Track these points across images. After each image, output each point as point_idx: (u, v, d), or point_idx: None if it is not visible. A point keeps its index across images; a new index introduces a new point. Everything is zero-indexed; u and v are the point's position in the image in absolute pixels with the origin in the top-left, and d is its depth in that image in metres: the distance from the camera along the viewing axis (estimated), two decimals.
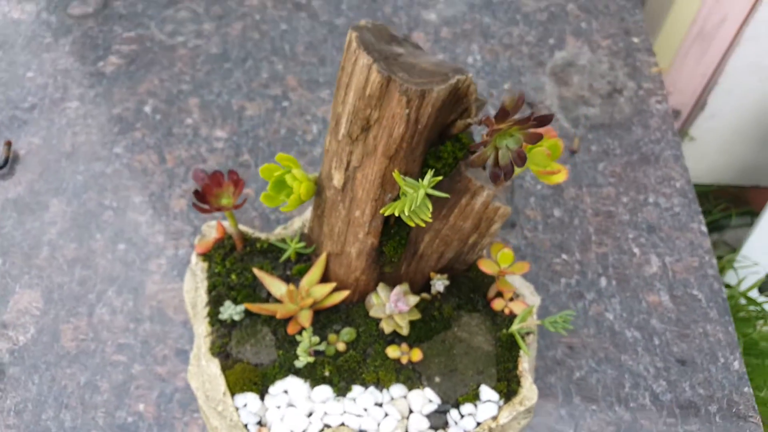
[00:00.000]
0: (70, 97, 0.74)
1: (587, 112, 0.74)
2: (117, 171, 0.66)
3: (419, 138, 0.39)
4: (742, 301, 1.12)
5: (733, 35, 1.00)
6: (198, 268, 0.52)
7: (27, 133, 0.70)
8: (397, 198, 0.42)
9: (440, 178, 0.37)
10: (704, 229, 0.65)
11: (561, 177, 0.43)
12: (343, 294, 0.49)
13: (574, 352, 0.55)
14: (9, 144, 0.67)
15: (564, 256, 0.61)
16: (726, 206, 1.29)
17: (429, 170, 0.37)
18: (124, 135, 0.70)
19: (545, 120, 0.37)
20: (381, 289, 0.48)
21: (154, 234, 0.61)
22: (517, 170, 0.44)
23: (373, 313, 0.48)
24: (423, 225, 0.39)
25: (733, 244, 1.27)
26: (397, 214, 0.38)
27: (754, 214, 1.30)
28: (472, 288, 0.52)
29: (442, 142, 0.42)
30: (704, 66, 1.07)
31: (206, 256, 0.53)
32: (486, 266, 0.48)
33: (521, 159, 0.39)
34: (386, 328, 0.47)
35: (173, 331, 0.54)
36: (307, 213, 0.57)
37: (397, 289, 0.47)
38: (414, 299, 0.47)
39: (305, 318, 0.48)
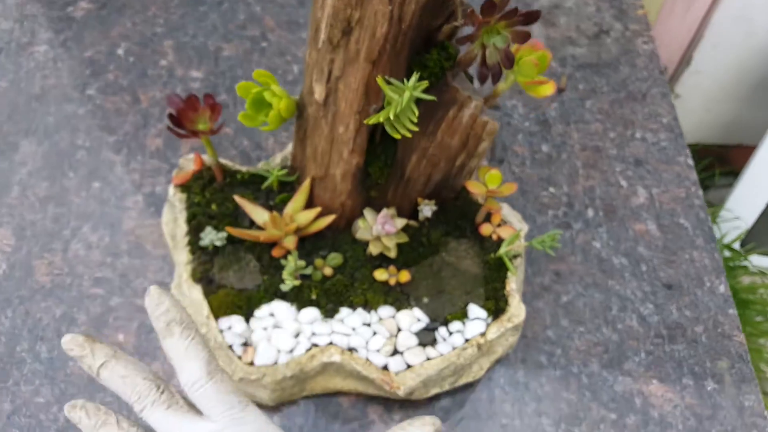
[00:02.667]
0: (38, 42, 0.71)
1: (574, 52, 0.74)
2: (90, 112, 0.64)
3: (403, 39, 0.38)
4: (726, 253, 1.13)
5: None
6: (176, 199, 0.50)
7: None
8: (381, 109, 0.40)
9: (426, 83, 0.36)
10: (691, 162, 0.64)
11: (548, 89, 0.42)
12: (329, 219, 0.48)
13: (562, 279, 0.55)
14: None
15: (551, 189, 0.61)
16: (710, 164, 1.29)
17: (415, 74, 0.36)
18: (97, 77, 0.67)
19: (532, 16, 0.36)
20: (368, 212, 0.47)
21: (130, 172, 0.59)
22: (503, 86, 0.43)
23: (359, 235, 0.47)
24: (409, 135, 0.38)
25: (716, 203, 1.28)
26: (381, 120, 0.37)
27: (735, 174, 1.31)
28: (459, 215, 0.51)
29: (428, 51, 0.41)
30: (690, 19, 1.07)
31: (184, 187, 0.51)
32: (474, 187, 0.47)
33: (509, 60, 0.37)
34: (373, 250, 0.46)
35: (152, 265, 0.53)
36: (289, 147, 0.55)
37: (384, 211, 0.46)
38: (401, 221, 0.47)
39: (291, 241, 0.46)
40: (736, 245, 1.12)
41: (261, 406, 0.46)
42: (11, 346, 0.48)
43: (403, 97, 0.34)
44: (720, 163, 1.31)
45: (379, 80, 0.37)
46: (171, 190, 0.50)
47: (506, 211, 0.53)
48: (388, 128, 0.38)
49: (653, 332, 0.52)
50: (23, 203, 0.57)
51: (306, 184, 0.47)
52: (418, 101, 0.39)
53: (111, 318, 0.50)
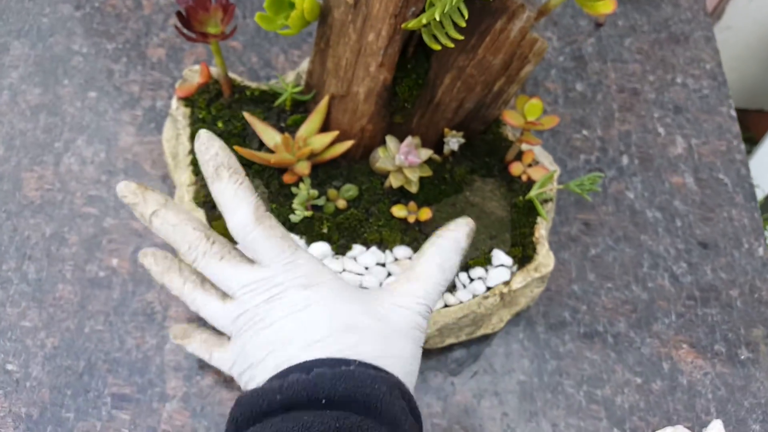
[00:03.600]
0: None
1: None
2: (88, 15, 0.58)
3: None
4: None
5: None
6: (179, 114, 0.46)
7: None
8: (421, 13, 0.35)
9: None
10: (733, 113, 0.60)
11: (608, 6, 0.36)
12: (347, 144, 0.43)
13: (591, 230, 0.51)
14: None
15: (585, 132, 0.56)
16: None
17: None
18: None
19: None
20: (390, 139, 0.43)
21: (129, 83, 0.54)
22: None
23: (380, 165, 0.42)
24: (451, 45, 0.33)
25: None
26: (425, 22, 0.32)
27: (753, 141, 1.25)
28: (488, 151, 0.47)
29: None
30: None
31: (188, 100, 0.46)
32: (511, 117, 0.42)
33: None
34: (394, 182, 0.42)
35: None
36: (302, 66, 0.50)
37: (409, 139, 0.42)
38: (426, 152, 0.42)
39: (304, 167, 0.42)
40: None
41: None
42: None
43: None
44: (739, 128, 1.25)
45: None
46: (174, 103, 0.46)
47: (537, 151, 0.48)
48: (426, 38, 0.33)
49: (685, 293, 0.48)
50: (13, 110, 0.52)
51: (323, 104, 0.43)
52: (467, 2, 0.33)
53: (105, 240, 0.46)
